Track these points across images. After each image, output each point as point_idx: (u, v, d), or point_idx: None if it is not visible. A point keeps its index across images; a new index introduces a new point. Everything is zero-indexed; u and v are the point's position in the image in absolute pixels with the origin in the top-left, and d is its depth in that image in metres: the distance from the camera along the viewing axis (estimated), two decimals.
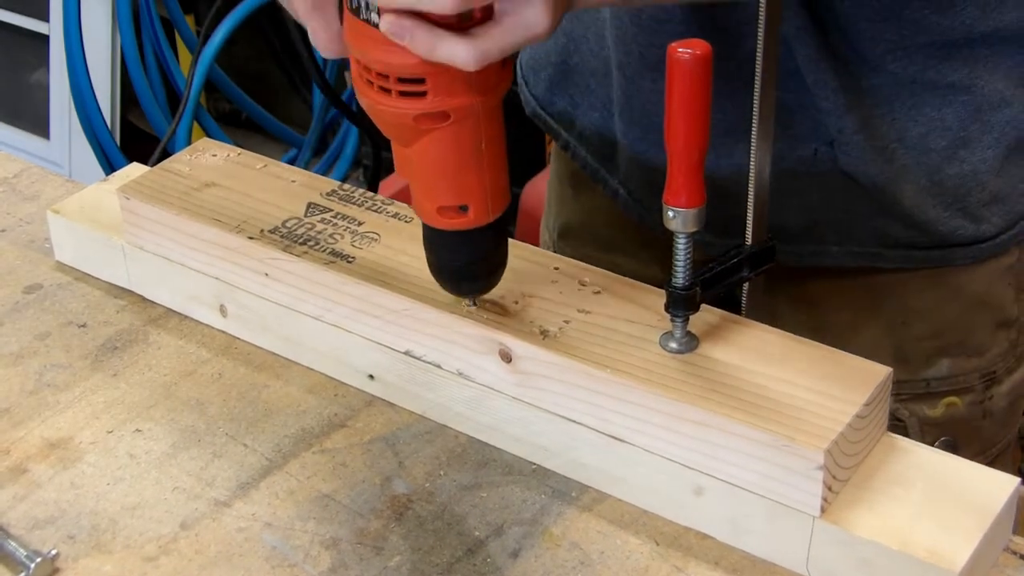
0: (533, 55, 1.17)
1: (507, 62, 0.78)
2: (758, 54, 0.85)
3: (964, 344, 1.07)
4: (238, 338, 1.02)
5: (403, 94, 0.76)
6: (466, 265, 0.86)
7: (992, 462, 1.09)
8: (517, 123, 3.15)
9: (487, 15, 0.73)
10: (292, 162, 3.09)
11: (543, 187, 2.55)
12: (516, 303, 0.89)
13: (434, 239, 0.85)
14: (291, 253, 0.95)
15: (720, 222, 0.89)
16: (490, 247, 0.86)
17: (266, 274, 0.97)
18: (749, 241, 0.89)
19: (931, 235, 1.01)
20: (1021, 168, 1.01)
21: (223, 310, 1.02)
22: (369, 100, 0.78)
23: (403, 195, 0.93)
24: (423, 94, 0.76)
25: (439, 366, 0.91)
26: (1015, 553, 0.81)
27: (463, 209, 0.82)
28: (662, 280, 0.84)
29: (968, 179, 0.99)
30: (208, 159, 1.07)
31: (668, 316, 0.85)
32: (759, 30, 0.84)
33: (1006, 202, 1.02)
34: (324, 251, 0.95)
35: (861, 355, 0.83)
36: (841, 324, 1.06)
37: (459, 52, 0.72)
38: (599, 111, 1.11)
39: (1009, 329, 1.08)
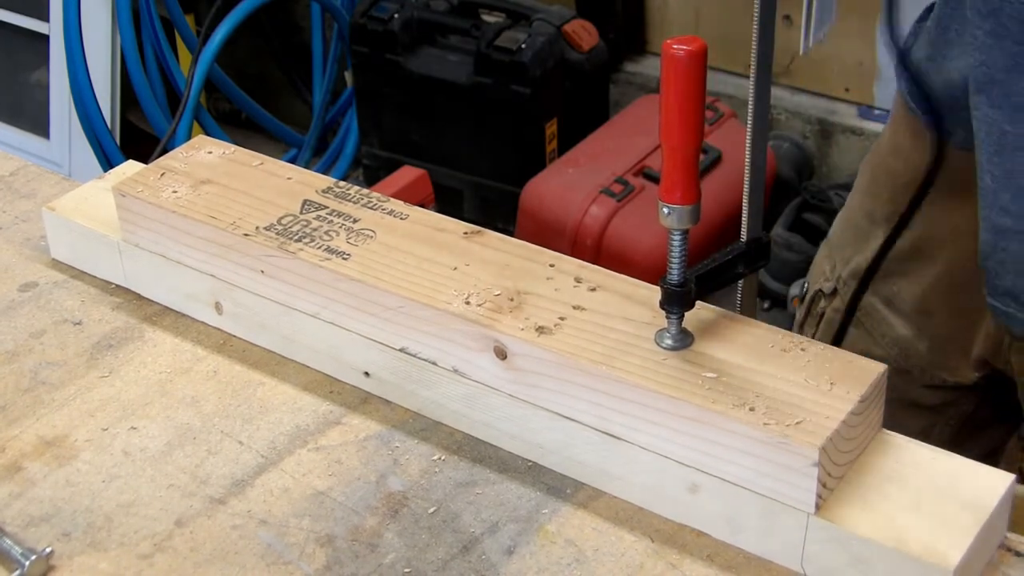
0: None
1: None
2: (753, 47, 0.85)
3: None
4: (233, 335, 1.02)
5: None
6: None
7: None
8: (517, 122, 3.14)
9: None
10: (292, 162, 3.09)
11: (543, 187, 2.56)
12: (511, 300, 0.89)
13: None
14: (287, 250, 0.95)
15: None
16: None
17: (262, 271, 0.97)
18: (744, 238, 0.89)
19: None
20: None
21: (219, 307, 1.02)
22: None
23: (400, 194, 0.93)
24: None
25: (434, 363, 0.91)
26: (1011, 550, 0.81)
27: None
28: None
29: None
30: (204, 156, 1.07)
31: (663, 313, 0.85)
32: (755, 20, 0.84)
33: None
34: (320, 248, 0.95)
35: None
36: None
37: None
38: None
39: None
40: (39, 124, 3.08)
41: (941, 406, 1.23)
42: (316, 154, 3.27)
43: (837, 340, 1.26)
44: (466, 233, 0.96)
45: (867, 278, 1.23)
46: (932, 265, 1.18)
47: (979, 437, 1.24)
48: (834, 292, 1.26)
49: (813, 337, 1.27)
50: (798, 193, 2.76)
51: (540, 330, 0.87)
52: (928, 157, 1.14)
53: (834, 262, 1.28)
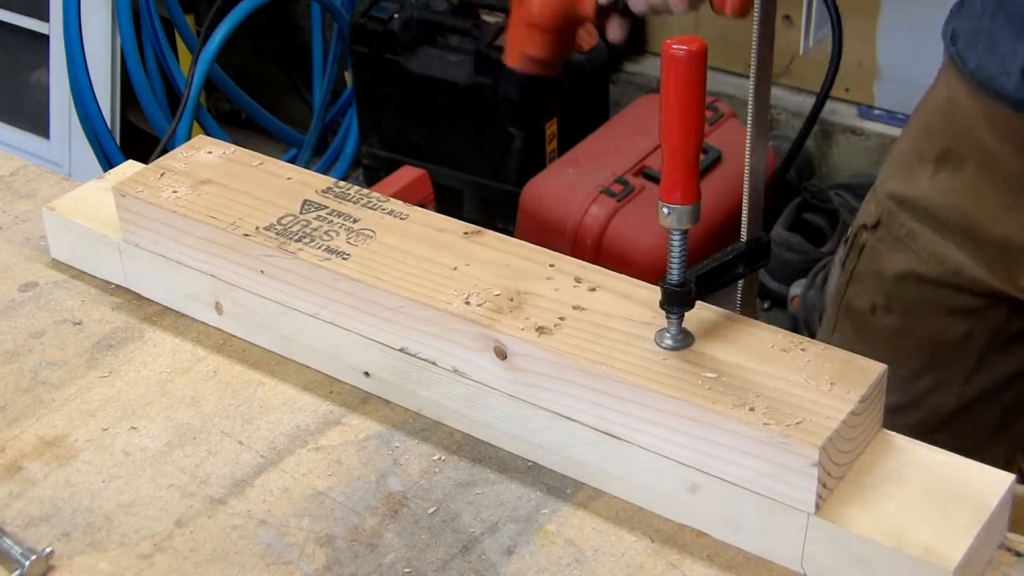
0: None
1: None
2: (753, 47, 0.85)
3: None
4: (233, 335, 1.02)
5: None
6: None
7: None
8: (517, 123, 3.12)
9: None
10: (292, 162, 3.09)
11: (543, 187, 2.56)
12: (511, 300, 0.89)
13: None
14: (286, 250, 0.95)
15: None
16: None
17: (261, 271, 0.97)
18: (744, 239, 0.89)
19: None
20: None
21: (219, 307, 1.02)
22: None
23: (400, 195, 0.93)
24: None
25: (434, 363, 0.91)
26: (1011, 550, 0.81)
27: None
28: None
29: None
30: (204, 156, 1.07)
31: (663, 313, 0.85)
32: (755, 20, 0.84)
33: None
34: (319, 248, 0.95)
35: None
36: None
37: None
38: None
39: None
40: (39, 124, 3.08)
41: (982, 309, 1.25)
42: (316, 154, 3.27)
43: (879, 266, 1.28)
44: (466, 233, 0.96)
45: (917, 207, 1.24)
46: (986, 199, 1.20)
47: (1014, 351, 1.27)
48: (877, 224, 1.29)
49: (853, 271, 1.31)
50: (798, 193, 2.76)
51: (540, 330, 0.87)
52: (982, 106, 1.17)
53: (879, 199, 1.30)
